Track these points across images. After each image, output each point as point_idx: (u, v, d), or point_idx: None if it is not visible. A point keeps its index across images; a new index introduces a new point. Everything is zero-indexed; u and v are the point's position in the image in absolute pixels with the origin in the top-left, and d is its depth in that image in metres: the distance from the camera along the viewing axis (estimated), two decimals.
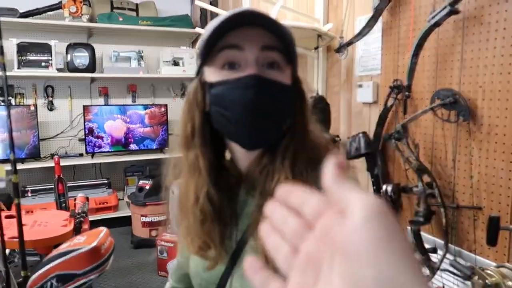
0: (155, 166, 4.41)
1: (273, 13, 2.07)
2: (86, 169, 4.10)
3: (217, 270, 0.76)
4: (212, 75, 0.70)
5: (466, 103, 1.37)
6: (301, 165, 0.70)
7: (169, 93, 4.41)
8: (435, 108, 1.45)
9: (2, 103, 3.67)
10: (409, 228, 1.57)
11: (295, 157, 0.70)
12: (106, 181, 4.01)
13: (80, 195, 2.22)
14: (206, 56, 0.70)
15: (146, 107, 4.14)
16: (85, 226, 1.69)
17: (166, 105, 4.21)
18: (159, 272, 3.13)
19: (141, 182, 3.82)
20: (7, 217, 1.85)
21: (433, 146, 1.56)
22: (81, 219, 1.62)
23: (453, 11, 1.34)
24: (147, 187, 3.76)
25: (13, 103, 3.74)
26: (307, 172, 0.69)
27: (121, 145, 4.05)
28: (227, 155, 0.82)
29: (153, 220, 3.68)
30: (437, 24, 1.40)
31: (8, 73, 3.48)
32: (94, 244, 0.78)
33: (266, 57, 0.68)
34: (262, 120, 0.69)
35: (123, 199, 4.16)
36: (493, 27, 1.30)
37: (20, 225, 1.12)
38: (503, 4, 1.26)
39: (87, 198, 2.22)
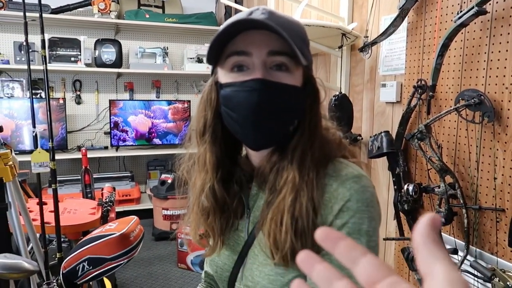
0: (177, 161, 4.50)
1: (297, 12, 2.09)
2: (111, 162, 4.22)
3: (231, 259, 0.81)
4: (223, 76, 0.73)
5: (491, 104, 1.36)
6: (310, 163, 0.71)
7: (192, 89, 4.48)
8: (460, 109, 1.44)
9: (33, 96, 3.83)
10: None
11: (304, 156, 0.72)
12: (129, 174, 4.11)
13: (107, 185, 2.30)
14: (216, 59, 0.74)
15: (169, 102, 4.22)
16: (112, 215, 1.76)
17: (189, 101, 4.28)
18: (179, 264, 3.20)
19: (163, 176, 3.91)
20: (38, 204, 1.94)
21: (456, 147, 1.55)
22: (108, 208, 1.69)
23: (481, 12, 1.33)
24: (169, 181, 3.84)
25: (43, 96, 3.88)
26: (316, 171, 0.71)
27: (145, 139, 4.14)
28: (244, 151, 0.85)
29: (174, 214, 3.76)
30: (463, 25, 1.40)
31: (39, 67, 3.63)
32: (123, 231, 0.83)
33: (273, 61, 0.70)
34: (267, 122, 0.71)
35: (145, 192, 4.25)
36: None
37: (56, 208, 1.19)
38: None
39: (114, 189, 2.29)
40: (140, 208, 3.99)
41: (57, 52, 3.71)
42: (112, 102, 3.97)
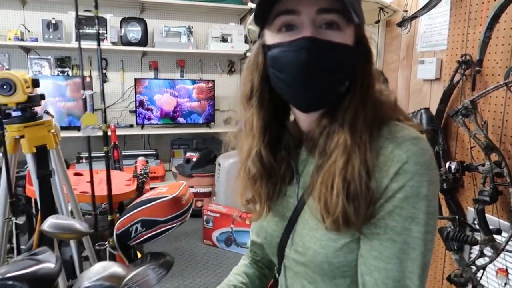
0: (201, 140, 4.51)
1: None
2: (136, 140, 4.26)
3: (280, 226, 0.80)
4: (270, 37, 0.71)
5: None
6: (362, 125, 0.68)
7: (216, 69, 4.46)
8: (510, 84, 1.39)
9: (61, 74, 3.87)
10: (471, 208, 1.54)
11: (356, 118, 0.69)
12: (154, 152, 4.15)
13: (140, 158, 2.33)
14: (264, 21, 0.71)
15: (194, 82, 4.21)
16: (147, 187, 1.78)
17: (213, 81, 4.26)
18: (205, 240, 3.24)
19: (188, 154, 3.93)
20: (75, 174, 1.98)
21: (503, 124, 1.50)
22: (143, 179, 1.71)
23: None
24: (194, 159, 3.87)
25: (70, 74, 3.92)
26: (369, 133, 0.68)
27: (169, 118, 4.16)
28: (292, 116, 0.83)
29: (199, 191, 3.80)
30: None
31: (67, 45, 3.64)
32: (175, 194, 0.83)
33: (323, 19, 0.66)
34: (316, 82, 0.68)
35: (169, 170, 4.29)
36: None
37: (108, 173, 1.21)
38: None
39: (147, 162, 2.32)
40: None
41: (84, 31, 3.72)
42: (137, 81, 3.98)
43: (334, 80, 0.69)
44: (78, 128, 3.75)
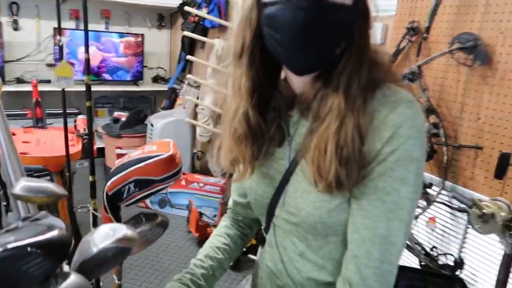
0: (128, 99, 4.26)
1: None
2: (54, 97, 3.87)
3: (271, 187, 0.79)
4: None
5: (485, 48, 1.43)
6: (357, 89, 0.68)
7: (145, 22, 4.17)
8: (454, 51, 1.50)
9: None
10: None
11: (351, 81, 0.68)
12: (76, 111, 3.82)
13: (80, 117, 2.12)
14: None
15: (121, 35, 3.90)
16: (94, 147, 1.65)
17: (142, 35, 3.99)
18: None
19: (116, 113, 3.70)
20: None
21: (442, 89, 1.63)
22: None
23: None
24: (123, 119, 3.66)
25: None
26: (363, 97, 0.68)
27: (94, 73, 3.83)
28: (282, 74, 0.81)
29: (128, 152, 3.62)
30: None
31: None
32: (171, 152, 0.77)
33: None
34: (314, 45, 0.66)
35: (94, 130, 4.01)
36: None
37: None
38: None
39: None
40: None
41: None
42: (56, 31, 3.57)
43: (331, 42, 0.67)
44: None
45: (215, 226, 2.88)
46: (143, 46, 4.00)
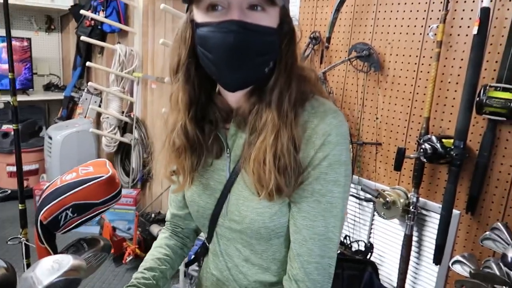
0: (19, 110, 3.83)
1: None
2: None
3: (213, 198, 0.84)
4: (199, 15, 0.72)
5: (377, 56, 1.63)
6: (288, 103, 0.74)
7: (31, 25, 3.79)
8: (352, 59, 1.68)
9: None
10: None
11: (281, 97, 0.74)
12: None
13: None
14: None
15: (3, 39, 3.49)
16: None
17: (29, 39, 3.63)
18: None
19: (5, 126, 3.31)
20: None
21: (344, 93, 1.81)
22: None
23: None
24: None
25: None
26: (294, 110, 0.75)
27: None
28: (217, 89, 0.86)
29: (23, 169, 3.26)
30: None
31: None
32: (110, 172, 0.74)
33: (249, 1, 0.68)
34: (242, 64, 0.71)
35: None
36: None
37: (19, 152, 0.91)
38: None
39: None
40: None
41: None
42: None
43: (259, 61, 0.73)
44: None
45: (131, 240, 2.77)
46: (30, 51, 3.64)
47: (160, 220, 2.85)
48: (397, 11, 1.58)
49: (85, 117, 3.41)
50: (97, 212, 0.73)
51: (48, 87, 4.04)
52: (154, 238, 2.48)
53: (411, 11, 1.54)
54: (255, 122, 0.76)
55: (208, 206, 0.85)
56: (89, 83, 3.05)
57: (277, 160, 0.72)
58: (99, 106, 3.43)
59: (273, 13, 0.71)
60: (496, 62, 1.32)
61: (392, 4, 1.59)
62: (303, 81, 0.80)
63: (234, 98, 0.80)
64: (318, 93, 0.82)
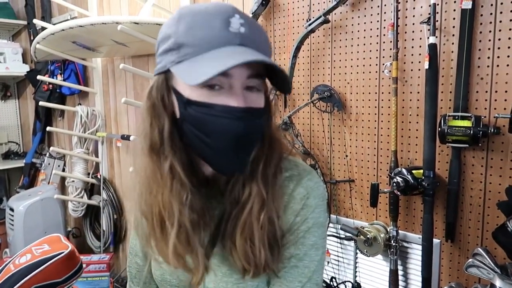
0: None
1: (145, 10, 2.02)
2: None
3: (187, 275, 0.76)
4: (187, 90, 0.65)
5: (338, 96, 1.67)
6: (272, 174, 0.72)
7: None
8: (315, 101, 1.72)
9: None
10: None
11: (265, 168, 0.72)
12: None
13: None
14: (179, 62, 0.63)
15: None
16: None
17: None
18: None
19: None
20: None
21: (311, 134, 1.83)
22: None
23: (326, 21, 1.61)
24: None
25: None
26: (276, 178, 0.73)
27: None
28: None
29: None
30: (312, 31, 1.66)
31: None
32: (70, 248, 0.69)
33: (249, 82, 0.65)
34: (245, 150, 0.68)
35: None
36: (355, 35, 1.63)
37: None
38: (362, 17, 1.60)
39: None
40: None
41: None
42: None
43: (256, 142, 0.71)
44: None
45: None
46: None
47: None
48: (351, 52, 1.65)
49: (48, 183, 3.27)
50: None
51: (7, 155, 3.88)
52: None
53: (364, 51, 1.61)
54: (238, 194, 0.71)
55: (182, 284, 0.79)
56: (51, 148, 2.95)
57: (266, 236, 0.69)
58: (63, 170, 3.31)
59: (262, 93, 0.69)
60: (451, 92, 1.39)
61: (346, 46, 1.66)
62: (279, 144, 0.77)
63: (209, 168, 0.73)
64: (285, 149, 0.79)
